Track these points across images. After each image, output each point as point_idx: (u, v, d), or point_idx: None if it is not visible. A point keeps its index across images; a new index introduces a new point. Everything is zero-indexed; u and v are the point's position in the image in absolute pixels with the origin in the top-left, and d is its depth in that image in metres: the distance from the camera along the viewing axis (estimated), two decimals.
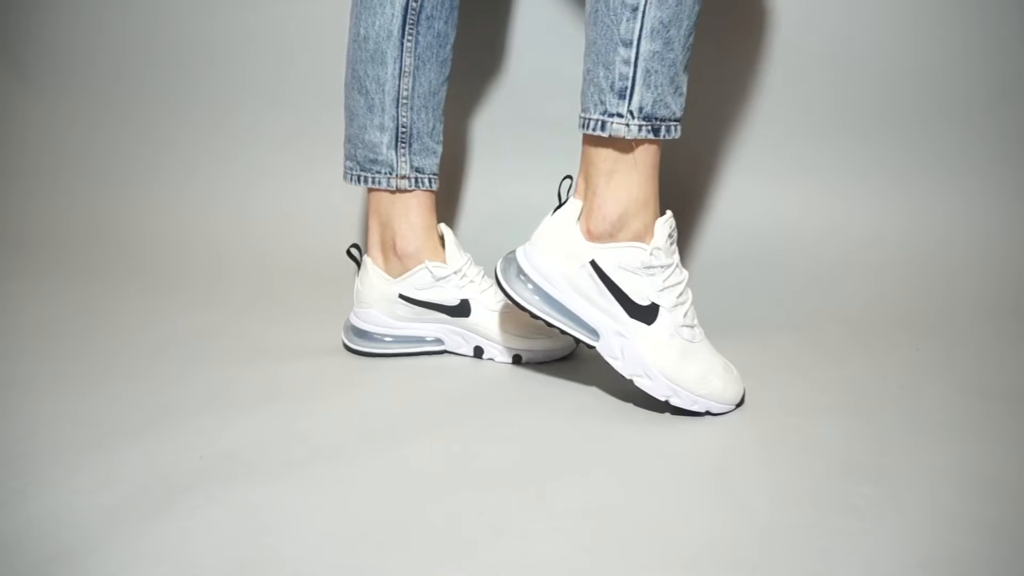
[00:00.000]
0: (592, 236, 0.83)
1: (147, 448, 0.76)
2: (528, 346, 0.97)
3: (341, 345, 1.03)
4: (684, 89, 0.82)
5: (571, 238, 0.84)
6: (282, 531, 0.63)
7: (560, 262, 0.84)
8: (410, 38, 0.98)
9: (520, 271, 0.86)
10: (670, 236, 0.83)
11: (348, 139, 1.02)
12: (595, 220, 0.83)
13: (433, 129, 1.02)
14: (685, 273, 0.85)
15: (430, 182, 1.02)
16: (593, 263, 0.83)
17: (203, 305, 1.17)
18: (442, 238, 1.01)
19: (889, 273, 1.20)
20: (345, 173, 1.03)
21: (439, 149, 1.04)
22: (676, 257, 0.84)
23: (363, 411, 0.84)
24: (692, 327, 0.84)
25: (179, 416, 0.82)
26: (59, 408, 0.85)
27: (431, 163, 1.03)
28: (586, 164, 0.84)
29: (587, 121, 0.82)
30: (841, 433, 0.78)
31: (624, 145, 0.81)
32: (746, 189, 1.32)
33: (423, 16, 0.98)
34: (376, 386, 0.90)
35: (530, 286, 0.85)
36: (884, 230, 1.26)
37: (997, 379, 0.90)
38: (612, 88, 0.80)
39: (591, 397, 0.87)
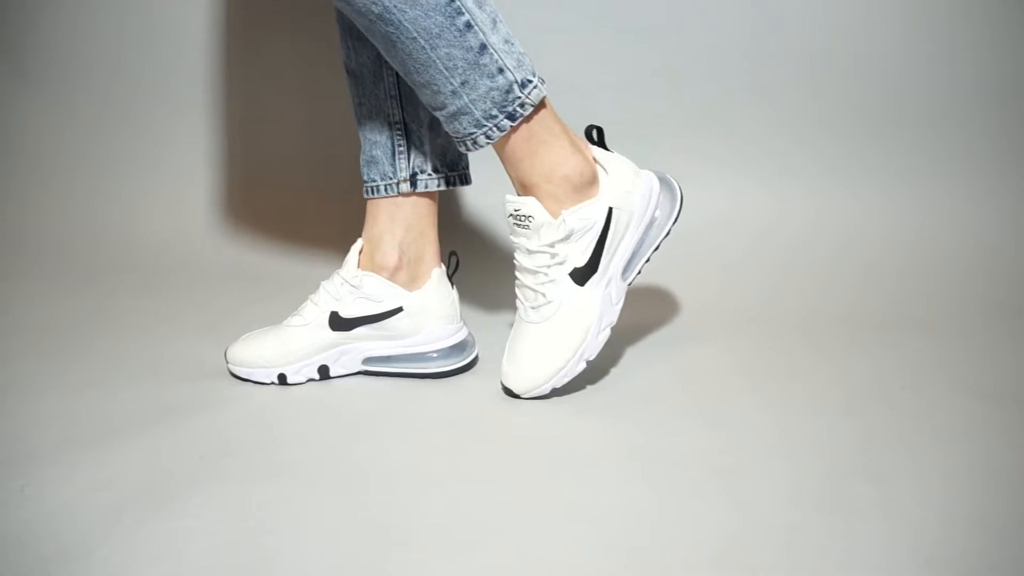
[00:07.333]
0: None
1: (147, 448, 0.76)
2: None
3: None
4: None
5: None
6: (281, 531, 0.63)
7: None
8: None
9: None
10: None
11: None
12: None
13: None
14: None
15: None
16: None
17: (201, 303, 1.17)
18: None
19: (890, 272, 1.20)
20: None
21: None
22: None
23: (363, 411, 0.84)
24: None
25: (179, 416, 0.82)
26: (59, 408, 0.85)
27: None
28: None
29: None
30: (841, 433, 0.78)
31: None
32: (747, 188, 1.32)
33: None
34: (376, 386, 0.90)
35: None
36: (885, 229, 1.26)
37: (998, 379, 0.89)
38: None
39: (590, 397, 0.87)
